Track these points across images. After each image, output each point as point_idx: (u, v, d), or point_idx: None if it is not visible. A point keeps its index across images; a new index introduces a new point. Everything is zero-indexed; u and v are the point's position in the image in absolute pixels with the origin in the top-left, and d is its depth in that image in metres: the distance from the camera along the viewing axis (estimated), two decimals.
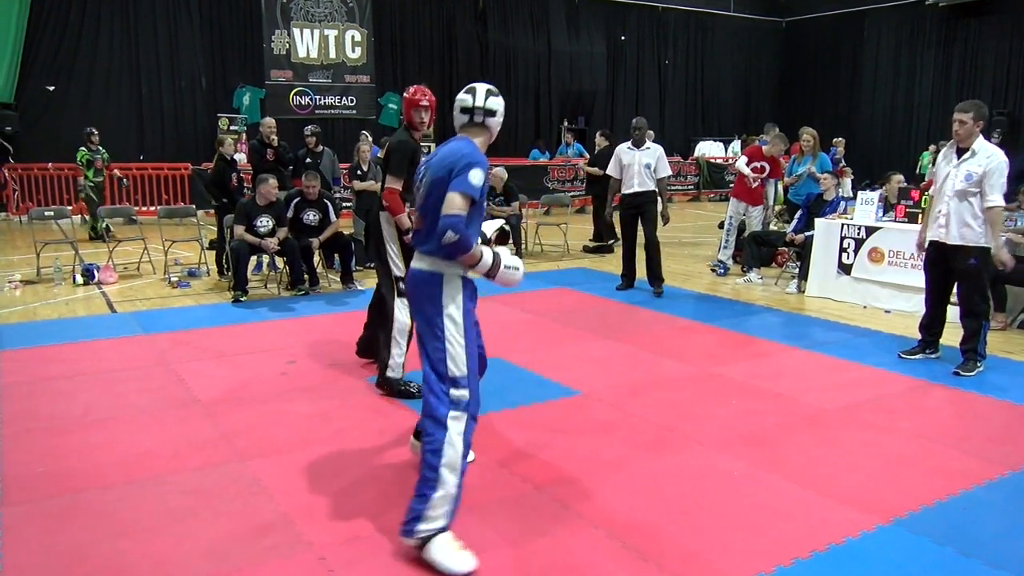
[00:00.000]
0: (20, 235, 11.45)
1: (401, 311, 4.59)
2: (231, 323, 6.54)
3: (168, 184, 13.98)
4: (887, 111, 20.78)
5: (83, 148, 11.26)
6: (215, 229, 9.05)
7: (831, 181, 8.25)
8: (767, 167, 8.73)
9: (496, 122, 3.20)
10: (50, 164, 13.43)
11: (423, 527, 2.81)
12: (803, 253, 7.98)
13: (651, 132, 9.56)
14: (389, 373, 4.67)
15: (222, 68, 15.84)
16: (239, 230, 7.43)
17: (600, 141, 11.71)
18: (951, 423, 4.38)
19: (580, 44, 19.89)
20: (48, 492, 3.43)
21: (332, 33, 16.55)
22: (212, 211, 9.30)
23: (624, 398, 4.72)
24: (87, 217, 11.69)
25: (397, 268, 4.60)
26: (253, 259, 8.04)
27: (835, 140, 14.71)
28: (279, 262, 8.06)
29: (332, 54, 16.64)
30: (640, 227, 7.86)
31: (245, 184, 9.44)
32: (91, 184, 11.31)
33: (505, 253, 3.08)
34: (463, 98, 3.16)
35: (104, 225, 10.80)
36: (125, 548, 2.95)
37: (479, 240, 3.14)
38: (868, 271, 7.30)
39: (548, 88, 19.57)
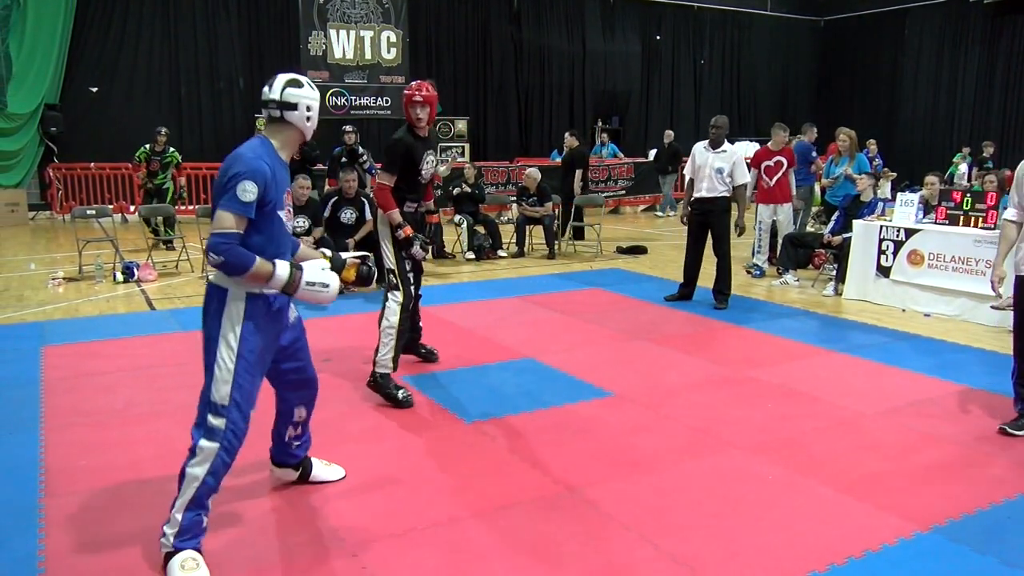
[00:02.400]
0: (63, 233, 11.70)
1: (393, 305, 4.57)
2: None
3: (207, 184, 14.19)
4: (928, 111, 20.41)
5: (145, 146, 10.82)
6: None
7: (867, 182, 8.11)
8: (783, 160, 8.64)
9: (299, 116, 2.89)
10: (92, 164, 13.73)
11: (163, 540, 2.74)
12: (840, 255, 7.86)
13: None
14: (377, 368, 4.60)
15: (260, 69, 16.02)
16: None
17: (569, 141, 11.48)
18: (993, 429, 4.28)
19: (615, 44, 19.81)
20: (90, 485, 3.50)
21: (368, 34, 16.67)
22: None
23: (657, 400, 4.69)
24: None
25: (389, 262, 4.60)
26: None
27: (868, 141, 14.50)
28: None
29: (368, 55, 16.76)
30: (710, 238, 7.21)
31: None
32: (148, 185, 10.86)
33: (311, 269, 2.84)
34: (264, 89, 2.93)
35: (157, 227, 10.39)
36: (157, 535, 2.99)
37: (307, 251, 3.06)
38: (907, 274, 7.17)
39: (583, 88, 19.53)
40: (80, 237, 8.70)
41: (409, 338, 5.12)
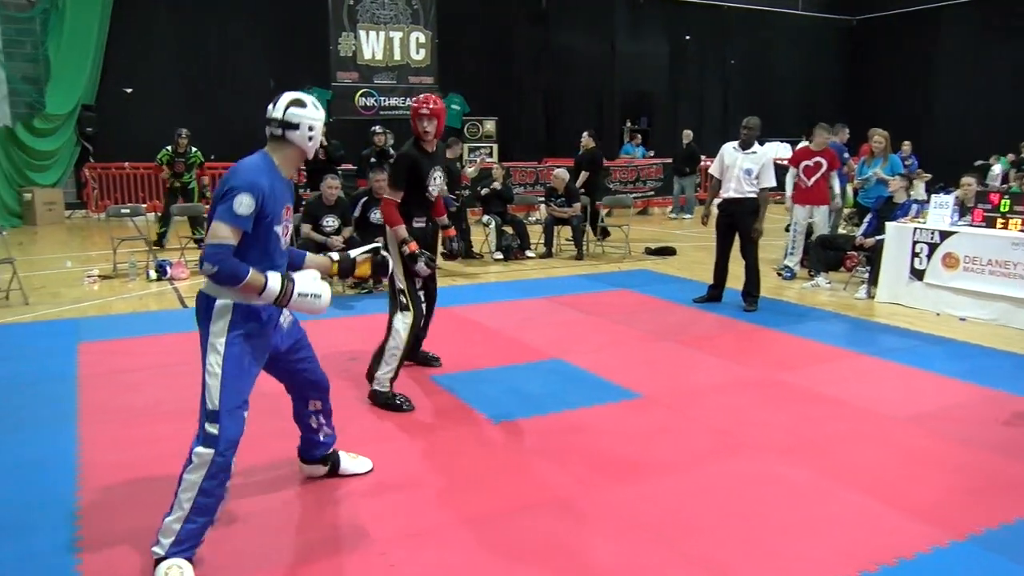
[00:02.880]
0: (98, 231, 11.90)
1: (401, 328, 4.48)
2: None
3: None
4: (963, 112, 20.06)
5: (166, 148, 10.83)
6: None
7: (900, 184, 7.99)
8: (822, 161, 8.48)
9: (301, 136, 2.91)
10: (126, 163, 13.95)
11: (155, 548, 2.75)
12: (873, 257, 7.76)
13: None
14: (375, 386, 4.54)
15: (290, 70, 16.16)
16: (306, 229, 7.60)
17: (586, 141, 11.32)
18: None
19: (642, 44, 19.72)
20: (122, 479, 3.56)
21: (397, 35, 16.76)
22: None
23: (685, 402, 4.67)
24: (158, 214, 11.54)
25: (399, 280, 4.51)
26: None
27: (902, 143, 14.26)
28: None
29: (397, 56, 16.84)
30: (738, 240, 7.10)
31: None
32: (175, 184, 10.81)
33: (303, 280, 2.88)
34: (268, 107, 2.94)
35: (162, 231, 10.59)
36: None
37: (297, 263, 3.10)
38: (942, 277, 7.05)
39: (610, 88, 19.46)
40: (114, 235, 8.84)
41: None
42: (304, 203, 7.98)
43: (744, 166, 6.93)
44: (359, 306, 7.23)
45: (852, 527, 3.17)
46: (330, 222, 7.67)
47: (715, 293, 7.35)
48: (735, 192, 6.97)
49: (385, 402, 4.52)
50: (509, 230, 10.28)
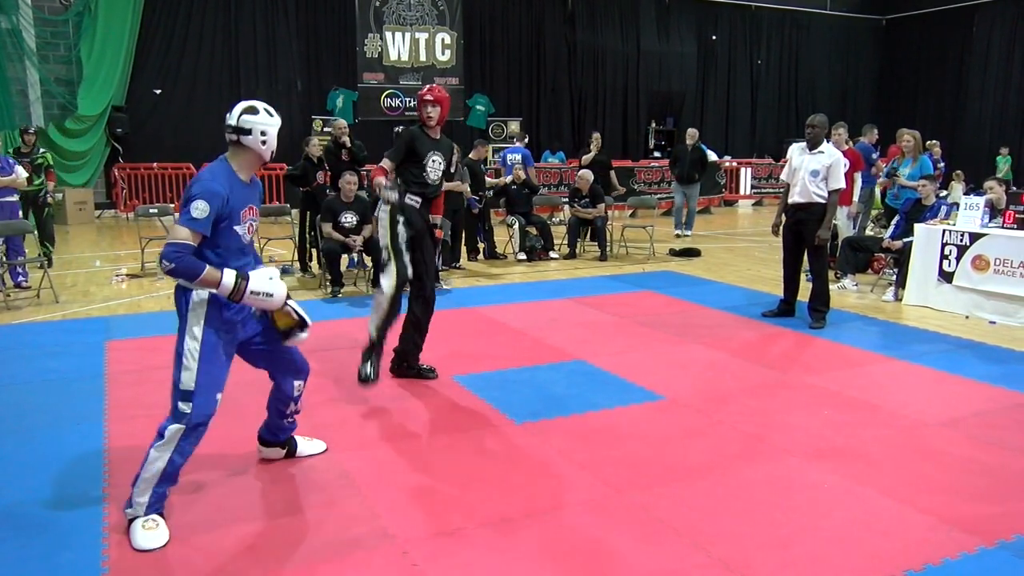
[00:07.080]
0: (127, 231, 12.06)
1: (385, 281, 4.61)
2: (322, 319, 6.69)
3: (264, 184, 14.43)
4: (996, 112, 19.76)
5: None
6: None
7: (930, 188, 7.86)
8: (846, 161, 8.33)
9: (254, 141, 3.11)
10: (155, 164, 14.13)
11: (127, 511, 3.05)
12: (901, 260, 7.66)
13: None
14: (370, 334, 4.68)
15: (317, 71, 16.32)
16: (327, 227, 7.68)
17: (599, 143, 11.30)
18: None
19: (670, 44, 19.65)
20: None
21: (423, 36, 16.83)
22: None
23: (710, 404, 4.63)
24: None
25: (382, 237, 4.68)
26: (345, 256, 8.25)
27: (928, 143, 13.97)
28: (367, 260, 8.24)
29: (423, 57, 16.92)
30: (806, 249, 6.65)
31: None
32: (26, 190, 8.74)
33: (256, 279, 3.07)
34: (226, 115, 3.14)
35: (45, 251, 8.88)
36: (220, 534, 3.06)
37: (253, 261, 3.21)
38: (972, 280, 6.94)
39: (636, 89, 19.41)
40: (143, 235, 8.95)
41: (411, 350, 5.05)
42: (324, 201, 8.05)
43: (810, 168, 6.46)
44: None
45: (881, 532, 3.12)
46: (348, 218, 7.73)
47: (787, 308, 6.85)
48: (800, 196, 6.51)
49: (363, 358, 4.66)
50: (533, 231, 10.27)
